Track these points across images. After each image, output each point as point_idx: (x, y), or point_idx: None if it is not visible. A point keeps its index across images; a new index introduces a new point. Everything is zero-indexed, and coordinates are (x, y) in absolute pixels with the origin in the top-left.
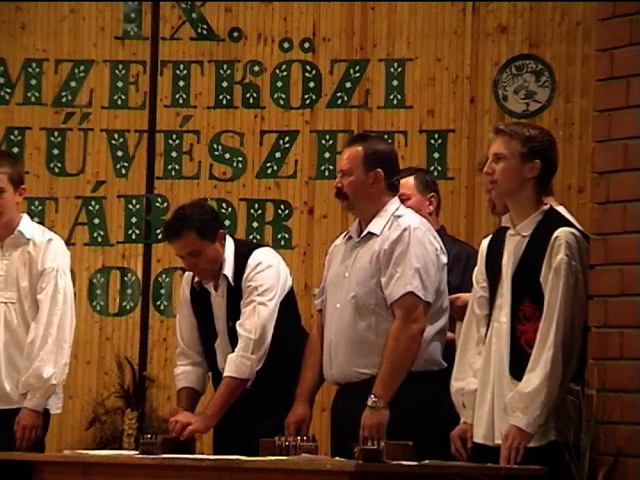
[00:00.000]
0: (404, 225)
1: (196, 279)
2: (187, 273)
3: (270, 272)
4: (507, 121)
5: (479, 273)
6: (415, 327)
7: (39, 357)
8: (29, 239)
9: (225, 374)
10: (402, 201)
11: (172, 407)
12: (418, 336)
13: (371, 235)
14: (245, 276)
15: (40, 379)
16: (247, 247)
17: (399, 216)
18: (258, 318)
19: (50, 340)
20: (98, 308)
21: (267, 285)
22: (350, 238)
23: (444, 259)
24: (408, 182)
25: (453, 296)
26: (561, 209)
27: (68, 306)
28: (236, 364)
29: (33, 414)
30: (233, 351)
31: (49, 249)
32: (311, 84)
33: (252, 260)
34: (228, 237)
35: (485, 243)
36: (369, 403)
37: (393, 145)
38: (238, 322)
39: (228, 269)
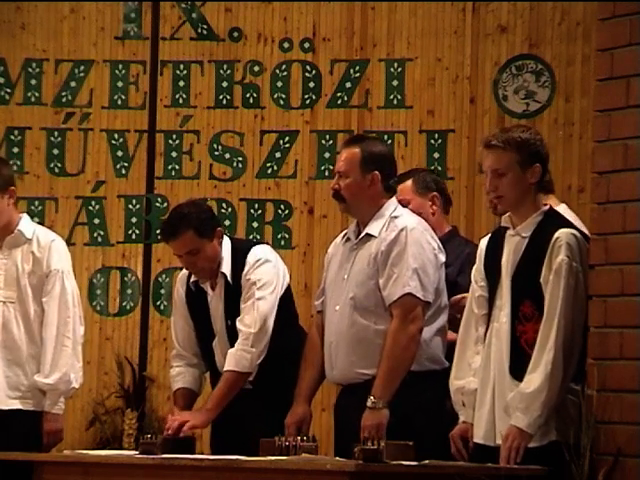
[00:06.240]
0: (401, 226)
1: (192, 279)
2: (181, 274)
3: (269, 267)
4: (501, 126)
5: (477, 272)
6: (413, 327)
7: (61, 361)
8: (29, 238)
9: (225, 368)
10: (403, 206)
11: (171, 409)
12: (417, 335)
13: (369, 237)
14: (244, 272)
15: (67, 384)
16: (244, 244)
17: (396, 217)
18: (257, 312)
19: (69, 344)
20: (98, 308)
21: (265, 279)
22: (348, 240)
23: (442, 258)
24: (406, 186)
25: (459, 296)
26: (563, 207)
27: (77, 308)
28: (235, 358)
29: (58, 417)
30: None
31: (54, 250)
32: (311, 84)
33: (251, 256)
34: (225, 236)
35: (484, 242)
36: (368, 404)
37: (391, 146)
38: (238, 319)
39: (226, 267)
